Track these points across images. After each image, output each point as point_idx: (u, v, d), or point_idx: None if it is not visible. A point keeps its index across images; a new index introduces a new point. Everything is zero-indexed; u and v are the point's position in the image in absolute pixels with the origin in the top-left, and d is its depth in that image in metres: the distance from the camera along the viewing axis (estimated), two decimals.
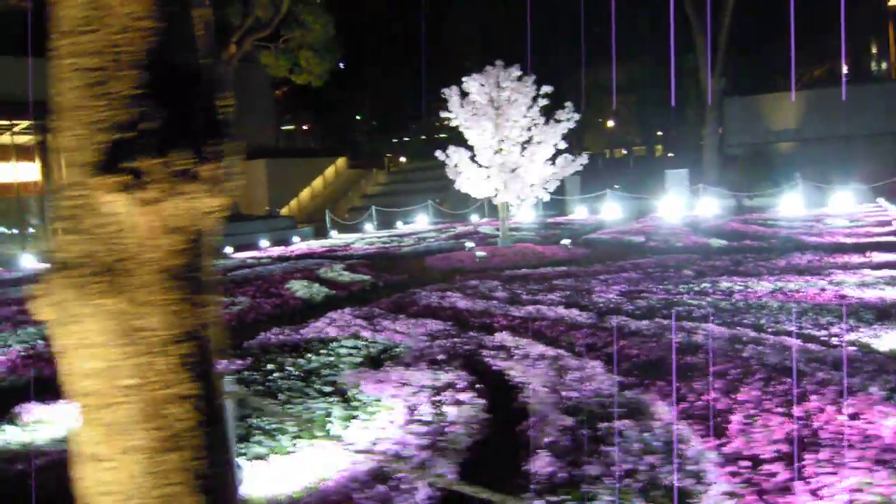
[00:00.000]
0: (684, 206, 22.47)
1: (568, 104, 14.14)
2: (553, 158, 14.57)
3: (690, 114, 36.13)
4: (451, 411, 5.09)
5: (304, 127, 51.38)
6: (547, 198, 14.72)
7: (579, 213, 24.19)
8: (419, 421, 4.97)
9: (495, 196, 15.02)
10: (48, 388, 5.50)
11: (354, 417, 5.16)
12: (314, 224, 24.98)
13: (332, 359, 6.91)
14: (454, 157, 14.87)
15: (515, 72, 13.97)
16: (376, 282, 11.95)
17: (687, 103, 37.12)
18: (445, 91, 14.51)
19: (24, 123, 26.12)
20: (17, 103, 24.15)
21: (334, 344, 7.48)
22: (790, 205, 20.99)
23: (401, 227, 24.93)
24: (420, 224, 25.50)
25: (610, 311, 8.13)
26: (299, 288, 11.43)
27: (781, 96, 29.02)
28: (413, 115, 44.35)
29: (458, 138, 15.02)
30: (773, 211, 20.74)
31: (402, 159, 43.11)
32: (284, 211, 33.33)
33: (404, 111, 44.57)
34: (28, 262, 20.19)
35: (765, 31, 29.36)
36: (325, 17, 23.32)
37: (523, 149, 14.39)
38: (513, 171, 14.09)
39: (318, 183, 36.82)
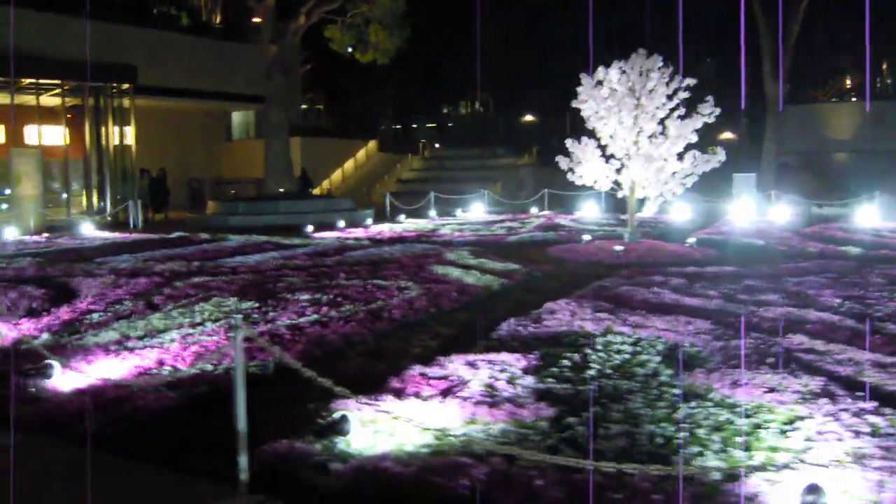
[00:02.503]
0: (755, 211, 22.16)
1: (709, 98, 13.64)
2: (680, 155, 14.08)
3: (746, 120, 35.99)
4: None
5: (319, 107, 50.43)
6: (677, 194, 14.23)
7: (646, 212, 23.69)
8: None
9: (614, 189, 14.52)
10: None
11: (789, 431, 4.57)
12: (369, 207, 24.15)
13: (625, 357, 6.32)
14: (577, 147, 14.31)
15: (658, 61, 13.42)
16: (531, 271, 11.36)
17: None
18: (582, 77, 13.92)
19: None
20: (49, 61, 22.97)
21: (603, 339, 6.88)
22: (866, 216, 20.79)
23: (461, 214, 24.31)
24: (478, 213, 24.87)
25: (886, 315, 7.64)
26: (457, 273, 10.80)
27: (839, 106, 28.97)
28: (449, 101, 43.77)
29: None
30: (851, 220, 20.53)
31: (437, 145, 42.45)
32: (316, 191, 32.48)
33: (440, 98, 43.93)
34: (86, 228, 19.21)
35: (821, 41, 29.25)
36: None
37: (650, 142, 13.86)
38: (655, 164, 13.56)
39: (349, 165, 36.04)
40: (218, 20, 34.64)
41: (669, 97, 13.53)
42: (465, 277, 10.46)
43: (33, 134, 23.97)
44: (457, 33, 39.03)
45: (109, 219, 22.26)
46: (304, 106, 49.52)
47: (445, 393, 5.30)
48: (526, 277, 10.85)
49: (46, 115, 24.10)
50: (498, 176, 32.78)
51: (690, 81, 13.47)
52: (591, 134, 14.41)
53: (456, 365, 5.97)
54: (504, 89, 43.47)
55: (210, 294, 9.32)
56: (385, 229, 18.75)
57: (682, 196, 23.58)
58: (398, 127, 45.15)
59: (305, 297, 9.08)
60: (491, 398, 5.18)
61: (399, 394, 5.29)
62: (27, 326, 7.68)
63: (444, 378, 5.65)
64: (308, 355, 6.43)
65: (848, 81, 38.42)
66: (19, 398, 5.33)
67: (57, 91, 23.18)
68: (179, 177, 30.73)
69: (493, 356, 6.23)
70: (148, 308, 8.60)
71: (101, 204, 23.31)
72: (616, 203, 24.47)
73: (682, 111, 13.54)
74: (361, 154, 37.12)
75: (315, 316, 7.95)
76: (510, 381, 5.56)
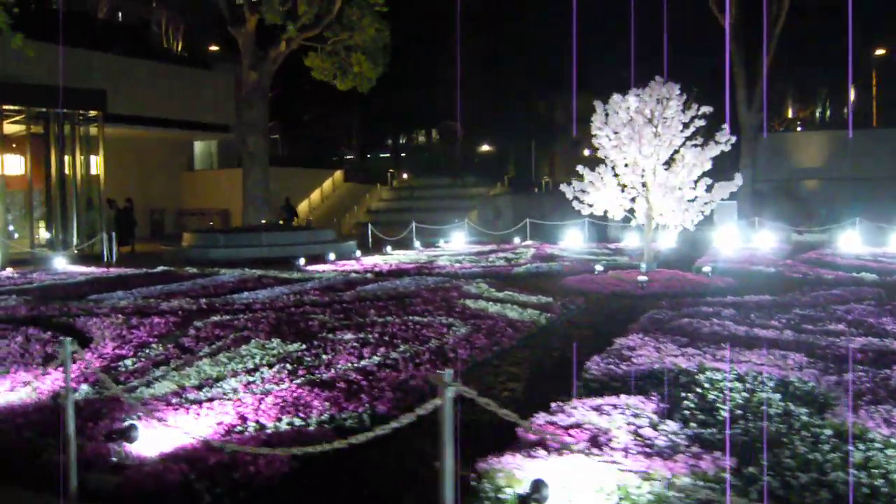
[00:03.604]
0: (739, 238, 22.27)
1: (724, 126, 13.52)
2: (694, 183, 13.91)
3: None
4: None
5: (275, 136, 49.50)
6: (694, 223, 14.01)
7: (630, 240, 23.63)
8: None
9: (627, 216, 14.26)
10: None
11: None
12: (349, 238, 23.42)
13: (745, 395, 5.88)
14: (591, 175, 14.03)
15: (675, 89, 13.26)
16: (565, 304, 10.91)
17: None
18: (596, 104, 13.67)
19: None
20: (11, 86, 21.78)
21: (706, 376, 6.43)
22: (848, 241, 21.08)
23: (444, 245, 23.78)
24: (459, 243, 24.38)
25: None
26: (495, 308, 10.26)
27: (809, 135, 29.59)
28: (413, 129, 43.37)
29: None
30: (835, 246, 20.76)
31: (405, 175, 41.86)
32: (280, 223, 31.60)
33: (401, 126, 43.51)
34: (59, 262, 18.06)
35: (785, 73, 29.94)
36: (381, 21, 22.11)
37: (666, 170, 13.66)
38: (676, 193, 13.32)
39: (315, 196, 35.20)
40: (180, 47, 33.67)
41: (685, 125, 13.36)
42: (506, 312, 9.94)
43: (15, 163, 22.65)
44: (420, 61, 38.77)
45: (76, 252, 21.03)
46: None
47: (595, 443, 4.77)
48: (564, 311, 10.38)
49: (8, 143, 22.77)
50: (470, 205, 32.46)
51: (707, 110, 13.33)
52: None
53: (581, 411, 5.44)
54: (469, 118, 43.40)
55: (241, 335, 8.60)
56: (378, 261, 18.10)
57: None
58: (362, 157, 44.51)
59: (349, 336, 8.44)
60: (648, 447, 4.68)
61: (541, 446, 4.73)
62: (57, 377, 6.84)
63: (578, 426, 5.11)
64: (400, 403, 5.83)
65: (808, 111, 39.57)
66: (98, 467, 4.59)
67: (19, 118, 21.92)
68: (140, 208, 29.49)
69: (612, 399, 5.73)
70: (181, 352, 7.84)
71: (68, 237, 22.02)
72: (598, 232, 24.40)
73: (699, 140, 13.37)
74: (328, 184, 36.34)
75: (377, 358, 7.33)
76: (654, 427, 5.06)
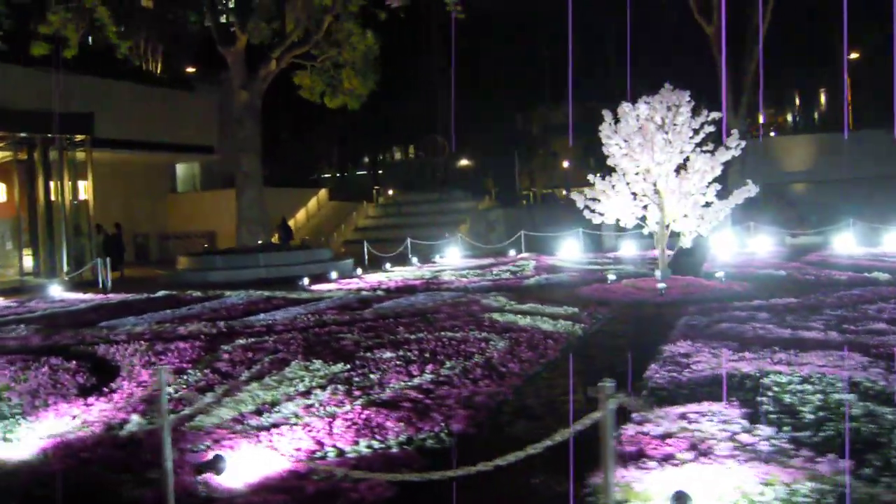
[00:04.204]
0: (735, 243, 22.38)
1: (734, 132, 13.58)
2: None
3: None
4: None
5: None
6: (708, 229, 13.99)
7: (625, 249, 23.68)
8: None
9: (639, 223, 14.22)
10: None
11: None
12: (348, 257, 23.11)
13: (820, 398, 5.80)
14: (603, 183, 14.00)
15: (686, 96, 13.28)
16: (591, 314, 10.80)
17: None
18: (605, 113, 13.64)
19: None
20: None
21: (772, 380, 6.35)
22: (843, 243, 21.32)
23: (440, 260, 23.61)
24: (455, 258, 24.21)
25: None
26: (525, 321, 10.13)
27: (795, 139, 29.95)
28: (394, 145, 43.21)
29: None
30: (830, 248, 20.95)
31: (391, 191, 41.63)
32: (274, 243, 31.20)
33: (381, 143, 43.34)
34: (55, 290, 17.58)
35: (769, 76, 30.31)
36: (370, 37, 21.99)
37: (678, 177, 13.66)
38: (691, 199, 13.31)
39: (300, 215, 34.82)
40: (159, 69, 33.27)
41: (696, 131, 13.38)
42: (538, 324, 9.82)
43: None
44: (399, 78, 38.69)
45: (68, 279, 20.54)
46: None
47: (698, 452, 4.65)
48: (594, 320, 10.27)
49: None
50: (458, 219, 32.32)
51: (716, 115, 13.37)
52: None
53: (667, 420, 5.32)
54: (449, 132, 43.42)
55: (276, 357, 8.37)
56: (383, 278, 17.88)
57: None
58: (342, 174, 44.22)
59: (388, 354, 8.25)
60: (753, 453, 4.58)
61: (644, 457, 4.60)
62: (102, 408, 6.56)
63: (672, 435, 4.99)
64: (473, 420, 5.67)
65: (789, 116, 40.16)
66: (187, 502, 4.35)
67: (2, 144, 21.40)
68: (125, 232, 28.93)
69: (694, 407, 5.62)
70: (221, 377, 7.58)
71: (57, 264, 21.49)
72: (593, 242, 24.41)
73: (710, 146, 13.40)
74: (313, 203, 35.99)
75: (428, 375, 7.16)
76: (749, 433, 4.97)
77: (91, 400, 6.83)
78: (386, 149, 51.59)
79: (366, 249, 23.09)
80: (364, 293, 14.70)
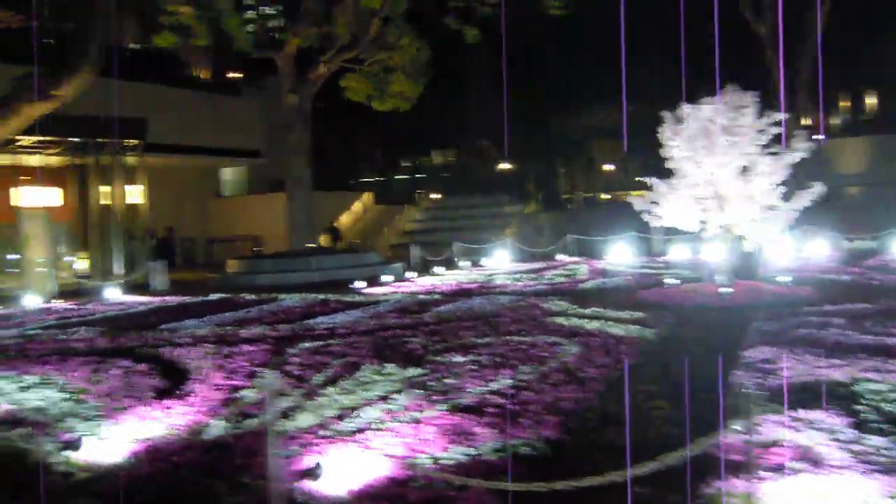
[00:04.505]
0: (789, 247, 21.88)
1: (800, 133, 13.26)
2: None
3: None
4: None
5: None
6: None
7: (675, 253, 23.31)
8: None
9: (701, 228, 13.94)
10: None
11: None
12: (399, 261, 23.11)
13: None
14: (665, 186, 13.76)
15: (751, 97, 13.00)
16: (657, 318, 10.59)
17: None
18: (665, 115, 13.43)
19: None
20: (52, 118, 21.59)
21: (867, 388, 6.14)
22: None
23: (489, 263, 23.50)
24: (503, 262, 24.05)
25: None
26: (593, 325, 9.97)
27: (846, 141, 29.27)
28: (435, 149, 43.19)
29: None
30: (889, 252, 20.45)
31: (434, 195, 41.65)
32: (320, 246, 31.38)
33: (427, 146, 43.43)
34: (111, 293, 17.78)
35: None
36: (419, 40, 22.00)
37: (743, 180, 13.36)
38: (758, 203, 13.03)
39: (346, 219, 34.99)
40: (206, 74, 33.70)
41: (760, 132, 13.09)
42: (607, 328, 9.66)
43: (35, 195, 22.51)
44: (442, 82, 38.73)
45: (123, 282, 20.82)
46: None
47: (810, 462, 4.48)
48: (661, 325, 10.07)
49: (48, 175, 22.70)
50: (502, 223, 32.19)
51: (782, 116, 13.07)
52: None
53: (769, 428, 5.14)
54: (492, 136, 43.33)
55: (345, 361, 8.31)
56: (435, 282, 17.82)
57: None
58: (384, 178, 44.32)
59: (459, 359, 8.15)
60: (868, 464, 4.42)
61: (753, 468, 4.43)
62: (185, 411, 6.56)
63: (777, 444, 4.83)
64: (564, 427, 5.55)
65: (838, 119, 39.36)
66: None
67: (59, 149, 21.82)
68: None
69: (792, 414, 5.44)
70: (296, 381, 7.53)
71: (111, 267, 21.84)
72: (642, 246, 24.09)
73: (777, 148, 13.09)
74: (357, 207, 36.15)
75: (506, 380, 7.05)
76: (858, 443, 4.79)
77: (169, 402, 6.83)
78: (426, 152, 51.67)
79: (414, 253, 23.03)
80: (420, 297, 14.64)
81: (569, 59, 43.38)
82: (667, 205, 13.83)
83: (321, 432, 5.71)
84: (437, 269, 20.77)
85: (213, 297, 16.28)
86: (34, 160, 22.83)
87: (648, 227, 26.13)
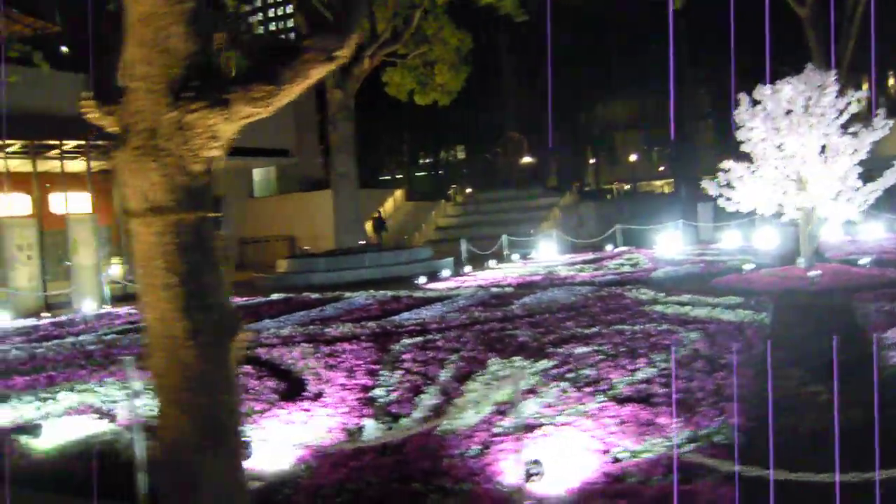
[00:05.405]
0: (842, 229, 21.54)
1: (881, 111, 12.95)
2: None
3: None
4: None
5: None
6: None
7: (728, 240, 22.96)
8: None
9: (779, 213, 13.67)
10: None
11: None
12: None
13: None
14: (741, 169, 13.48)
15: (832, 76, 12.71)
16: (755, 303, 10.33)
17: None
18: (741, 97, 13.14)
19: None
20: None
21: None
22: None
23: (538, 256, 23.25)
24: (552, 254, 23.77)
25: None
26: (700, 312, 9.73)
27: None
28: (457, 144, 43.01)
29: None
30: None
31: (468, 190, 41.39)
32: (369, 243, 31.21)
33: (456, 141, 43.21)
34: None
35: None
36: (461, 32, 21.75)
37: (825, 160, 13.07)
38: (841, 183, 12.74)
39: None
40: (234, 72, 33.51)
41: (840, 112, 12.80)
42: (717, 315, 9.42)
43: (81, 201, 22.39)
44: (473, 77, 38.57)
45: None
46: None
47: None
48: (770, 310, 9.80)
49: (73, 181, 22.52)
50: (539, 216, 31.88)
51: (862, 95, 12.76)
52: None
53: None
54: (520, 129, 43.07)
55: (465, 356, 8.06)
56: (496, 275, 17.57)
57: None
58: (412, 174, 44.13)
59: (583, 349, 7.91)
60: None
61: None
62: (325, 413, 6.34)
63: None
64: (747, 414, 5.31)
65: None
66: None
67: (95, 153, 21.64)
68: None
69: None
70: (421, 378, 7.30)
71: None
72: (690, 234, 23.79)
73: (857, 127, 12.79)
74: (389, 204, 35.94)
75: (650, 369, 6.81)
76: None
77: (306, 405, 6.61)
78: (453, 148, 51.47)
79: (464, 248, 22.73)
80: (492, 290, 14.40)
81: (594, 49, 43.11)
82: (743, 189, 13.55)
83: (493, 430, 5.49)
84: (491, 264, 20.52)
85: (275, 296, 16.08)
86: (75, 165, 22.70)
87: (694, 215, 25.94)
